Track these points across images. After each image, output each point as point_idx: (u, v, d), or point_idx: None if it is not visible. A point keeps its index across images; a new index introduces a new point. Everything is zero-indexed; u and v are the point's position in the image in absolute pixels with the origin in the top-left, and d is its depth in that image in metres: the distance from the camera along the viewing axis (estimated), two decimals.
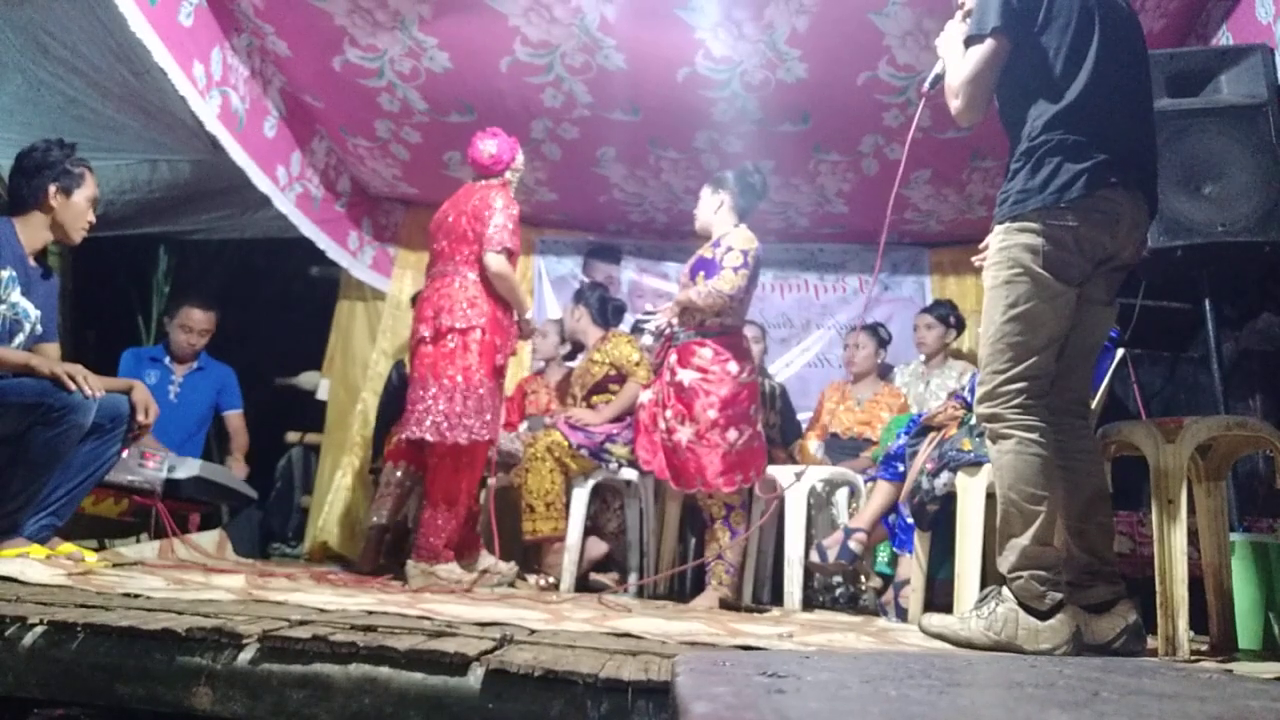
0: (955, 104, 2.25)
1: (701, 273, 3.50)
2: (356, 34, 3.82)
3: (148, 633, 1.47)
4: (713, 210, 3.59)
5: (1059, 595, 2.13)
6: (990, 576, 2.69)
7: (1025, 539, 2.13)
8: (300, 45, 3.92)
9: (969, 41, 2.22)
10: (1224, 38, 3.28)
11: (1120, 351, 3.01)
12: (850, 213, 5.18)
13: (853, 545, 3.27)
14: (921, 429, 3.24)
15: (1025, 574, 2.13)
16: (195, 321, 4.37)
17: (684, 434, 3.42)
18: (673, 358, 3.51)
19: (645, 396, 3.63)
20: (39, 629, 1.51)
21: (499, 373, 3.48)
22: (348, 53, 3.95)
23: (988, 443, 2.25)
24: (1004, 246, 2.17)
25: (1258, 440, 2.40)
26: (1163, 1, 3.44)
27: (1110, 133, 2.14)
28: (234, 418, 4.49)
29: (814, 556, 3.39)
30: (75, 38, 3.70)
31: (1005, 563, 2.17)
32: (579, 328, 4.40)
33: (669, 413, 3.47)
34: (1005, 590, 2.17)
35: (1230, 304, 3.91)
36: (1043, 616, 2.11)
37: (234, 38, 3.74)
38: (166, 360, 4.37)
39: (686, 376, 3.44)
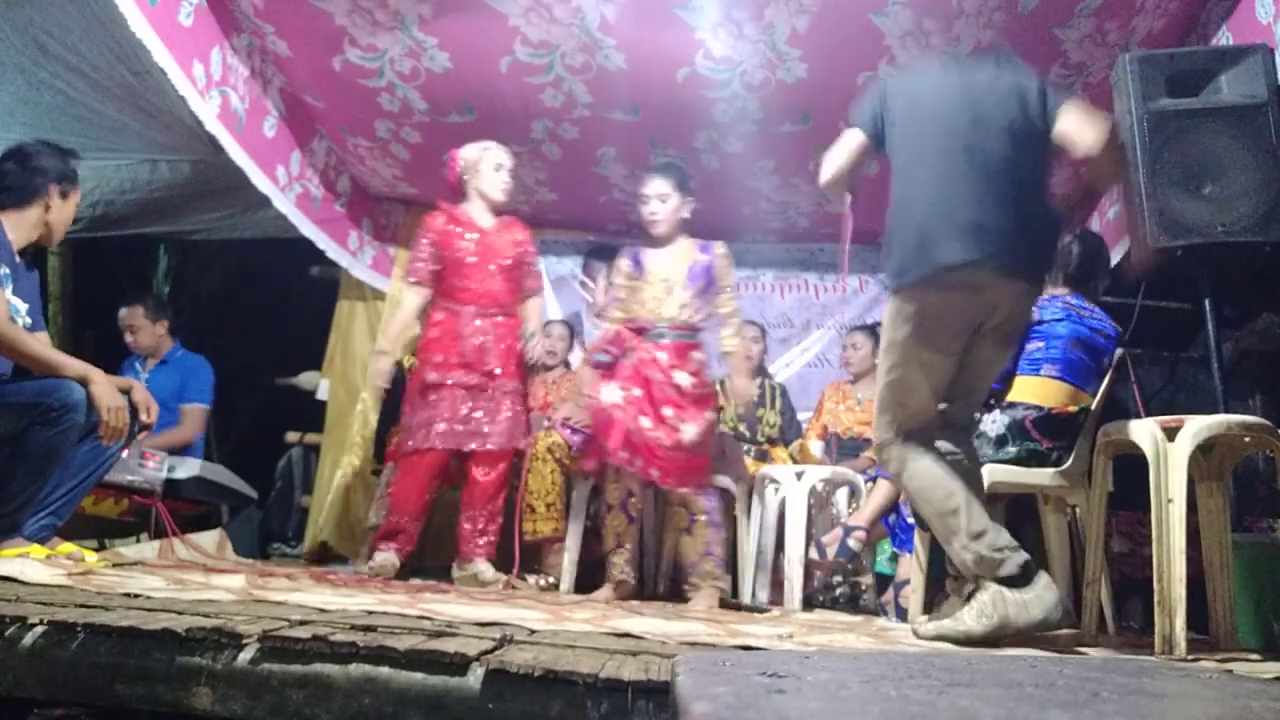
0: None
1: (702, 281, 3.49)
2: (356, 34, 3.82)
3: (148, 633, 1.47)
4: (683, 214, 3.54)
5: (1023, 555, 2.22)
6: None
7: (962, 534, 2.24)
8: (300, 45, 3.92)
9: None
10: (1224, 38, 3.28)
11: (1120, 351, 3.02)
12: (851, 213, 5.17)
13: (851, 543, 3.27)
14: None
15: (981, 552, 2.19)
16: (122, 320, 4.41)
17: (689, 433, 3.35)
18: (662, 356, 3.43)
19: (617, 395, 3.43)
20: (39, 629, 1.50)
21: (420, 390, 3.67)
22: (348, 52, 3.94)
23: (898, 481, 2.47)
24: (887, 314, 2.40)
25: (1258, 440, 2.40)
26: (1163, 1, 3.44)
27: (960, 214, 2.26)
28: (185, 409, 4.33)
29: (813, 554, 3.39)
30: (75, 38, 3.71)
31: (960, 561, 2.28)
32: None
33: (669, 411, 3.37)
34: (979, 579, 2.23)
35: (1230, 304, 3.91)
36: (1022, 584, 2.16)
37: (234, 38, 3.74)
38: (137, 363, 4.44)
39: (684, 379, 3.41)
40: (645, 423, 3.36)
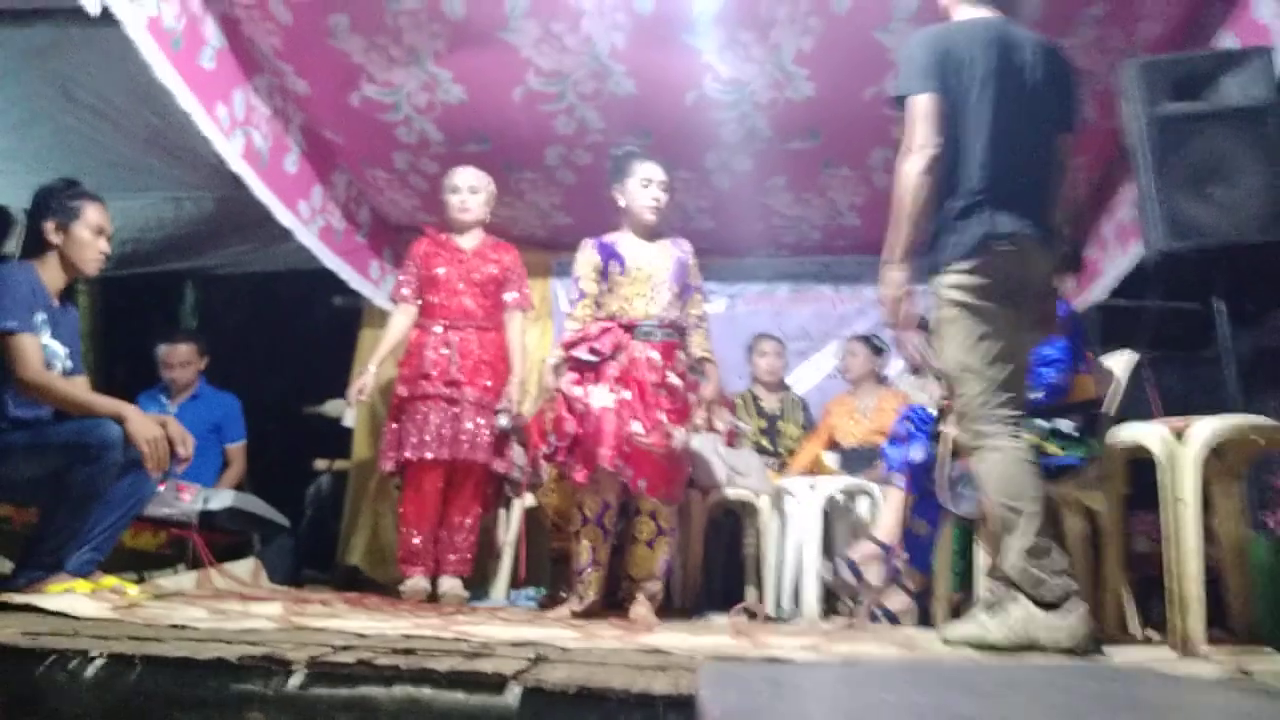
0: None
1: (682, 279, 3.48)
2: (373, 70, 3.91)
3: (201, 662, 1.54)
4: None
5: (1067, 583, 2.20)
6: None
7: (1024, 539, 2.22)
8: (319, 83, 4.01)
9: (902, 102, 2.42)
10: (1226, 40, 3.31)
11: (1135, 355, 3.06)
12: (863, 225, 5.22)
13: (899, 564, 3.24)
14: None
15: (1029, 569, 2.20)
16: (168, 356, 4.53)
17: (679, 438, 3.23)
18: (654, 355, 3.28)
19: (608, 399, 3.18)
20: (99, 661, 1.57)
21: (394, 406, 3.89)
22: (365, 88, 4.04)
23: (973, 458, 2.37)
24: (942, 293, 2.39)
25: (1271, 440, 2.42)
26: (1163, 7, 3.48)
27: (1007, 183, 2.34)
28: (231, 450, 4.61)
29: (843, 573, 3.33)
30: (100, 84, 3.81)
31: (1006, 561, 2.25)
32: None
33: (664, 415, 3.20)
34: (1016, 591, 2.23)
35: (1243, 304, 3.93)
36: (1055, 609, 2.17)
37: (255, 78, 3.83)
38: (162, 396, 4.53)
39: (675, 380, 3.29)
40: (637, 428, 3.14)
